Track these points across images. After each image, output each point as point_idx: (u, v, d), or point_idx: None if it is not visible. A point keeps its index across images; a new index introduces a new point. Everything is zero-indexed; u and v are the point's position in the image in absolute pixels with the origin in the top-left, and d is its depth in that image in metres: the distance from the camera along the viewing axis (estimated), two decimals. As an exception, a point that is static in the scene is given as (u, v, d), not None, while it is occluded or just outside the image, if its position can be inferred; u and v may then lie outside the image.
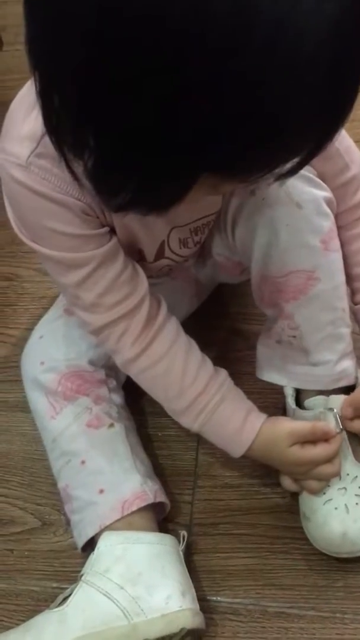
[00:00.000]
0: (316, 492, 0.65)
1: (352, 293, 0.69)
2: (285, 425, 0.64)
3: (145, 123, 0.37)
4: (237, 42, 0.34)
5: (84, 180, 0.45)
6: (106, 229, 0.60)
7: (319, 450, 0.62)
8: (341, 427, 0.64)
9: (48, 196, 0.55)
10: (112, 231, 0.61)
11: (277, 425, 0.64)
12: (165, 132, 0.37)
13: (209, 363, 0.66)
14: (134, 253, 0.68)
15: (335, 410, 0.64)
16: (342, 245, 0.64)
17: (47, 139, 0.44)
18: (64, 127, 0.41)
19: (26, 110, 0.53)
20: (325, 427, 0.63)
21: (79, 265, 0.59)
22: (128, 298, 0.62)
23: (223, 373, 0.66)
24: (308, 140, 0.41)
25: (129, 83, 0.36)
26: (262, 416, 0.65)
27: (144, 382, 0.66)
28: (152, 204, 0.44)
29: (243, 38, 0.34)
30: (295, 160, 0.42)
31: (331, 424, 0.64)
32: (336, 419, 0.64)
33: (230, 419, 0.64)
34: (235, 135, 0.37)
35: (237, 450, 0.65)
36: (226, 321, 0.86)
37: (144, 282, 0.63)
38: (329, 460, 0.63)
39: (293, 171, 0.43)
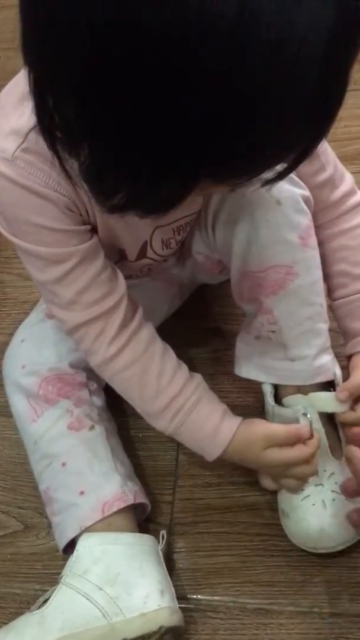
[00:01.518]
0: (294, 491, 0.66)
1: (330, 291, 0.70)
2: (260, 428, 0.64)
3: (144, 128, 0.37)
4: (236, 57, 0.34)
5: (79, 180, 0.45)
6: (88, 227, 0.60)
7: (295, 453, 0.63)
8: (314, 431, 0.64)
9: (33, 190, 0.55)
10: (94, 230, 0.62)
11: (253, 428, 0.64)
12: (163, 139, 0.37)
13: (184, 366, 0.66)
14: (115, 253, 0.69)
15: (308, 416, 0.65)
16: (320, 244, 0.65)
17: (33, 134, 0.43)
18: (58, 129, 0.41)
19: (13, 105, 0.53)
20: (299, 431, 0.63)
21: (60, 261, 0.59)
22: (106, 297, 0.62)
23: (198, 376, 0.67)
24: (298, 146, 0.41)
25: (126, 89, 0.36)
26: (238, 418, 0.65)
27: (120, 383, 0.66)
28: (149, 206, 0.44)
29: (243, 52, 0.34)
30: (284, 165, 0.43)
31: (307, 426, 0.64)
32: (310, 423, 0.65)
33: (206, 421, 0.64)
34: (233, 142, 0.38)
35: (212, 452, 0.65)
36: (207, 322, 0.87)
37: (122, 284, 0.64)
38: (305, 461, 0.63)
39: (281, 176, 0.44)
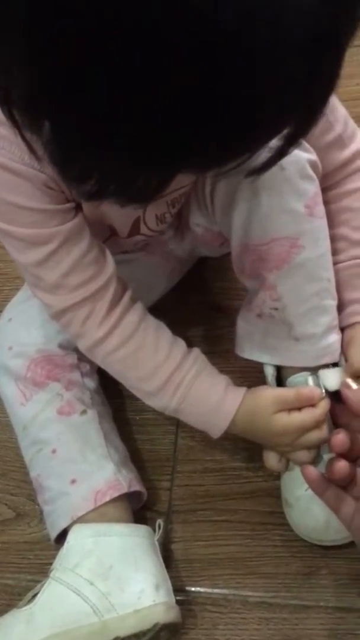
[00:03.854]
0: (307, 463, 0.61)
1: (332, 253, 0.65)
2: (269, 393, 0.61)
3: (112, 111, 0.32)
4: (215, 29, 0.30)
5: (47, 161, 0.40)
6: (72, 204, 0.56)
7: (306, 415, 0.59)
8: (324, 390, 0.60)
9: (6, 167, 0.51)
10: (78, 208, 0.57)
11: (260, 393, 0.61)
12: (135, 123, 0.32)
13: (180, 340, 0.62)
14: (104, 230, 0.64)
15: (317, 376, 0.61)
16: (325, 204, 0.60)
17: None
18: (16, 105, 0.35)
19: None
20: (310, 392, 0.59)
21: (41, 243, 0.55)
22: (93, 279, 0.58)
23: (196, 350, 0.63)
24: (282, 132, 0.37)
25: (90, 64, 0.31)
26: (242, 387, 0.62)
27: (113, 365, 0.62)
28: (124, 196, 0.39)
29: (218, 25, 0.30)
30: (274, 148, 0.38)
31: (317, 388, 0.60)
32: (319, 384, 0.60)
33: (209, 392, 0.60)
34: (216, 127, 0.33)
35: (219, 424, 0.61)
36: (207, 297, 0.82)
37: (110, 264, 0.60)
38: (316, 425, 0.59)
39: (267, 165, 0.39)
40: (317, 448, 0.61)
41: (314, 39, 0.32)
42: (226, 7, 0.29)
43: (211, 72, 0.31)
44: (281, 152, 0.38)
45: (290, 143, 0.38)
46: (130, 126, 0.33)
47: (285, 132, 0.37)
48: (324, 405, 0.59)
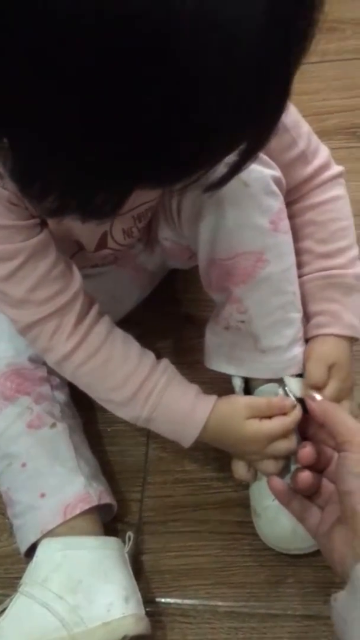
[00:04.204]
0: (274, 473, 0.62)
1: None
2: (242, 399, 0.62)
3: (69, 128, 0.33)
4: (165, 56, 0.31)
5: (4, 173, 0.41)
6: (37, 220, 0.56)
7: (277, 423, 0.60)
8: (295, 399, 0.61)
9: None
10: (44, 223, 0.57)
11: (233, 399, 0.62)
12: (91, 143, 0.33)
13: (149, 352, 0.63)
14: (72, 244, 0.65)
15: (287, 388, 0.62)
16: (289, 218, 0.61)
17: None
18: None
19: None
20: (282, 401, 0.60)
21: (7, 258, 0.56)
22: (60, 294, 0.59)
23: (165, 360, 0.63)
24: (236, 148, 0.38)
25: (42, 87, 0.32)
26: (213, 395, 0.62)
27: (82, 378, 0.62)
28: (84, 213, 0.39)
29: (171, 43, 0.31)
30: (230, 164, 0.39)
31: (287, 397, 0.61)
32: (288, 393, 0.61)
33: (180, 400, 0.61)
34: (167, 149, 0.34)
35: (191, 432, 0.61)
36: (178, 308, 0.83)
37: (77, 278, 0.60)
38: (285, 434, 0.60)
39: (224, 181, 0.40)
40: (284, 458, 0.62)
41: (264, 61, 0.33)
42: (178, 33, 0.30)
43: (161, 96, 0.32)
44: (237, 168, 0.39)
45: (245, 159, 0.39)
46: (81, 147, 0.34)
47: (240, 148, 0.37)
48: (295, 414, 0.60)
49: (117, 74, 0.31)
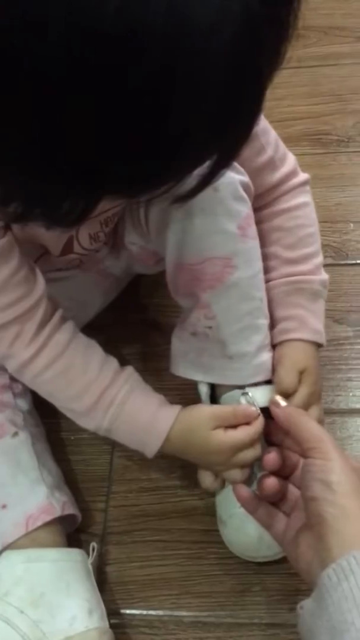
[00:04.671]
0: (240, 481, 0.61)
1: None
2: (207, 409, 0.61)
3: (30, 144, 0.32)
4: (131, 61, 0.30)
5: None
6: (0, 223, 0.55)
7: (242, 433, 0.59)
8: (259, 409, 0.60)
9: None
10: (8, 226, 0.56)
11: (197, 409, 0.61)
12: (55, 149, 0.32)
13: (112, 358, 0.62)
14: (36, 248, 0.63)
15: (250, 394, 0.61)
16: (257, 223, 0.61)
17: None
18: None
19: None
20: (247, 410, 0.60)
21: None
22: (22, 299, 0.58)
23: (129, 368, 0.62)
24: (208, 158, 0.37)
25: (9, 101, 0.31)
26: (176, 405, 0.61)
27: (42, 385, 0.61)
28: (49, 220, 0.39)
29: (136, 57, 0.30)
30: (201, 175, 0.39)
31: (252, 406, 0.60)
32: (252, 402, 0.61)
33: (142, 410, 0.60)
34: (135, 161, 0.34)
35: (153, 442, 0.61)
36: (144, 314, 0.82)
37: (40, 284, 0.59)
38: (251, 443, 0.60)
39: (195, 191, 0.40)
40: (250, 467, 0.62)
41: (235, 75, 0.33)
42: (150, 48, 0.30)
43: (130, 108, 0.31)
44: (207, 180, 0.39)
45: (216, 171, 0.38)
46: (47, 155, 0.33)
47: (210, 160, 0.37)
48: (259, 424, 0.60)
49: (81, 89, 0.30)
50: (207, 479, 0.64)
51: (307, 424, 0.53)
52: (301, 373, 0.62)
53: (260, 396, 0.61)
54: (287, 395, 0.61)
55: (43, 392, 0.62)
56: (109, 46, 0.29)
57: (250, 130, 0.37)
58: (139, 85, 0.31)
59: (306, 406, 0.61)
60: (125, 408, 0.60)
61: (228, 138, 0.36)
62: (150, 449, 0.61)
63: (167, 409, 0.61)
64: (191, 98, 0.32)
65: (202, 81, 0.32)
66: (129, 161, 0.34)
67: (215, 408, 0.62)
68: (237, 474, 0.61)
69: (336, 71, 1.02)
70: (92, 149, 0.32)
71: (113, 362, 0.62)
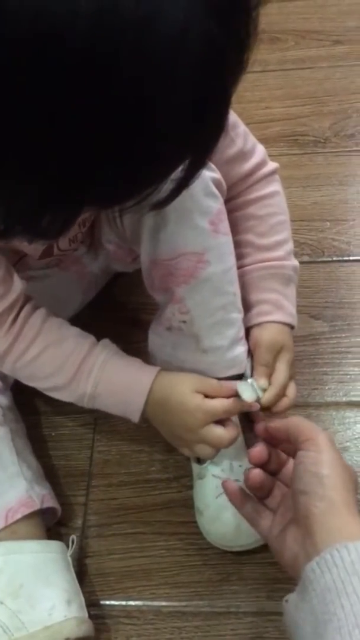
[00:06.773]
0: (210, 456, 0.63)
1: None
2: (192, 374, 0.63)
3: (13, 152, 0.33)
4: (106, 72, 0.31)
5: None
6: None
7: (218, 402, 0.60)
8: (259, 396, 0.61)
9: None
10: None
11: (183, 373, 0.63)
12: (35, 167, 0.34)
13: (88, 334, 0.64)
14: (15, 252, 0.64)
15: (250, 380, 0.62)
16: (229, 212, 0.62)
17: None
18: None
19: None
20: (232, 385, 0.61)
21: None
22: None
23: (106, 339, 0.65)
24: (179, 165, 0.39)
25: None
26: (156, 367, 0.63)
27: (24, 369, 0.63)
28: (29, 235, 0.40)
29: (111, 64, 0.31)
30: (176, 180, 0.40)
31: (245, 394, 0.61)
32: (253, 386, 0.61)
33: (123, 371, 0.62)
34: (115, 170, 0.35)
35: (136, 400, 0.62)
36: (123, 312, 0.83)
37: (17, 285, 0.61)
38: (224, 415, 0.61)
39: (170, 198, 0.41)
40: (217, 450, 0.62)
41: (201, 90, 0.34)
42: (126, 64, 0.31)
43: (106, 124, 0.33)
44: (182, 185, 0.40)
45: (189, 176, 0.40)
46: (28, 170, 0.34)
47: (182, 167, 0.39)
48: (237, 404, 0.60)
49: (56, 105, 0.32)
50: (205, 450, 0.63)
51: (304, 421, 0.54)
52: (278, 352, 0.64)
53: (247, 391, 0.61)
54: (267, 377, 0.62)
55: (24, 377, 0.63)
56: (79, 64, 0.31)
57: (221, 133, 0.38)
58: (105, 102, 0.32)
59: (286, 383, 0.63)
60: (105, 371, 0.62)
61: (199, 143, 0.38)
62: (134, 409, 0.62)
63: (148, 368, 0.63)
64: (161, 112, 0.34)
65: (174, 96, 0.33)
66: (106, 175, 0.35)
67: (202, 376, 0.63)
68: (206, 449, 0.62)
69: (313, 74, 1.04)
70: (72, 165, 0.34)
71: (89, 336, 0.64)
